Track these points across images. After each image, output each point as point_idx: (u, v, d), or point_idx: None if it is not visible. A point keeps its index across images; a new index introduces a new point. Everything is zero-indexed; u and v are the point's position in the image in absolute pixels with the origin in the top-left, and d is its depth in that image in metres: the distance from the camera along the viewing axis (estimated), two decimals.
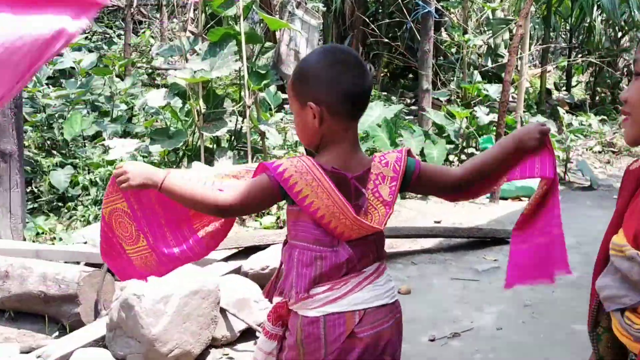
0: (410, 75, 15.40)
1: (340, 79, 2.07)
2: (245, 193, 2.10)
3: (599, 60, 12.68)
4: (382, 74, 13.89)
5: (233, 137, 7.07)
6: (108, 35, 14.89)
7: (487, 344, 4.34)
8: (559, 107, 11.13)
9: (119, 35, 15.18)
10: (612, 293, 1.67)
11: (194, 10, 10.39)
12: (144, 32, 15.11)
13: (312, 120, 2.08)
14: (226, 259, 5.31)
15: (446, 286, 5.33)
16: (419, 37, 9.35)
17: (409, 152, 2.19)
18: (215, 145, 7.03)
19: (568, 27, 14.16)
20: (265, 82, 6.56)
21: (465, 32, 10.39)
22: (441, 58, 13.24)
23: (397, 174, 2.12)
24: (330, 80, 2.06)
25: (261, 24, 8.83)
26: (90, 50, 11.00)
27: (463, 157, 8.87)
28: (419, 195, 8.07)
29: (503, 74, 9.76)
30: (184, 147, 6.87)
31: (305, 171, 2.05)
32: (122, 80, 9.59)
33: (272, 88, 7.90)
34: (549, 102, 13.16)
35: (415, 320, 4.64)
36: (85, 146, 7.83)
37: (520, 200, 8.03)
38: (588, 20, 13.26)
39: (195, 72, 6.22)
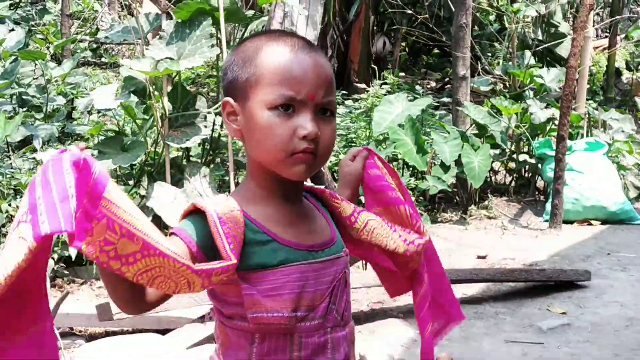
0: (436, 51, 15.25)
1: None
2: None
3: None
4: (399, 50, 13.72)
5: (209, 148, 6.87)
6: (39, 2, 14.67)
7: None
8: (634, 95, 10.95)
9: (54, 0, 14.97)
10: None
11: None
12: None
13: None
14: (200, 319, 5.09)
15: (501, 352, 5.13)
16: (451, 5, 9.12)
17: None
18: (185, 160, 6.82)
19: None
20: None
21: None
22: (475, 29, 13.05)
23: None
24: None
25: None
26: (16, 23, 10.76)
27: (512, 165, 8.69)
28: (454, 219, 7.92)
29: (560, 52, 9.61)
30: (143, 161, 6.66)
31: None
32: (59, 64, 9.36)
33: None
34: (618, 86, 12.99)
35: None
36: (10, 158, 7.59)
37: (590, 224, 7.85)
38: None
39: (158, 61, 5.99)
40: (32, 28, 12.31)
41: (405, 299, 5.97)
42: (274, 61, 1.83)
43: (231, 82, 1.88)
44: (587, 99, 9.94)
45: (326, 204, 2.00)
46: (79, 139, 8.30)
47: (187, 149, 6.81)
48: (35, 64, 8.91)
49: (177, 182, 6.32)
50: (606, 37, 13.25)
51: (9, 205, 6.48)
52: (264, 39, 1.88)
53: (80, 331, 5.30)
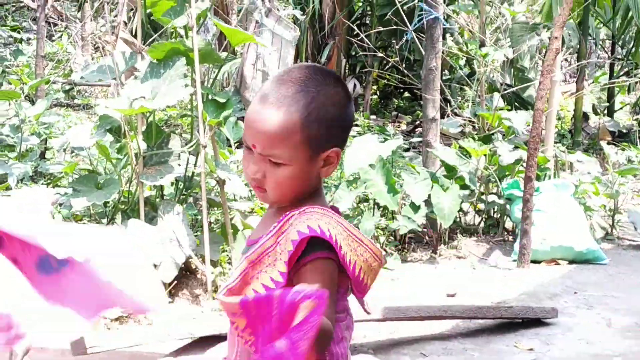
0: (406, 94, 15.43)
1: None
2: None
3: None
4: (371, 93, 13.88)
5: (182, 186, 6.93)
6: (13, 41, 14.74)
7: None
8: (602, 142, 11.14)
9: (27, 40, 15.04)
10: None
11: (130, 10, 10.30)
12: (60, 38, 14.99)
13: (317, 170, 2.19)
14: (174, 354, 5.15)
15: None
16: (421, 49, 9.28)
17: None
18: (159, 197, 6.87)
19: (609, 35, 14.27)
20: (225, 113, 6.42)
21: (482, 44, 10.37)
22: (445, 72, 13.26)
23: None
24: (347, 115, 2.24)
25: (216, 36, 8.69)
26: None
27: (481, 205, 8.81)
28: (424, 258, 8.02)
29: (525, 95, 9.80)
30: (117, 199, 6.71)
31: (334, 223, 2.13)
32: (33, 104, 9.43)
33: (232, 119, 7.79)
34: (586, 130, 13.21)
35: None
36: None
37: (557, 263, 7.97)
38: (635, 26, 13.34)
39: (133, 100, 6.07)
40: (6, 69, 12.38)
41: (375, 335, 6.06)
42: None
43: None
44: (556, 142, 10.10)
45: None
46: (52, 178, 8.34)
47: (161, 188, 6.87)
48: (10, 104, 8.97)
49: (151, 219, 6.37)
50: (574, 82, 13.48)
51: None
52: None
53: None
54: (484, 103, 9.92)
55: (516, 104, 12.08)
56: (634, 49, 13.70)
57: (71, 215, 7.04)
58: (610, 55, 14.49)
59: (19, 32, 15.54)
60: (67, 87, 13.60)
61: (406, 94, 15.57)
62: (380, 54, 11.75)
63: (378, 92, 15.71)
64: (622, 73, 14.38)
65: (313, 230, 2.03)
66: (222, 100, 6.49)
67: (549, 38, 7.86)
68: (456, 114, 10.41)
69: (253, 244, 2.15)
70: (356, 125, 10.01)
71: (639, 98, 14.57)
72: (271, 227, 2.10)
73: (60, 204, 6.68)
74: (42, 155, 8.99)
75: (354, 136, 9.11)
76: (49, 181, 8.41)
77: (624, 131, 13.45)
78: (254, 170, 2.13)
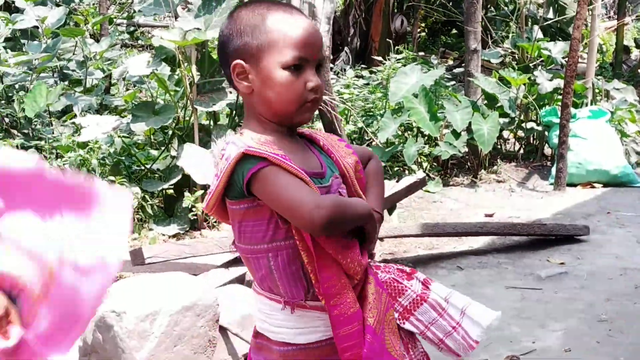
0: (454, 31, 15.33)
1: None
2: None
3: None
4: (418, 30, 13.79)
5: (234, 112, 7.02)
6: None
7: None
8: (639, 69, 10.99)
9: None
10: None
11: None
12: None
13: None
14: (226, 265, 5.27)
15: (501, 297, 5.28)
16: None
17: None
18: (212, 123, 6.98)
19: None
20: None
21: None
22: (492, 10, 13.14)
23: None
24: None
25: None
26: (57, 4, 10.98)
27: (520, 133, 8.81)
28: (465, 182, 8.06)
29: (569, 30, 9.69)
30: (173, 125, 6.84)
31: None
32: (97, 41, 9.58)
33: None
34: (627, 63, 13.02)
35: None
36: (52, 124, 7.82)
37: (593, 187, 7.96)
38: None
39: (186, 32, 6.16)
40: (73, 11, 12.52)
41: (415, 251, 6.16)
42: (282, 27, 2.09)
43: (240, 47, 2.12)
44: (597, 75, 10.00)
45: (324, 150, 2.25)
46: (116, 110, 8.50)
47: (214, 114, 6.97)
48: (75, 41, 9.11)
49: (205, 144, 6.50)
50: (618, 18, 13.25)
51: (51, 165, 6.71)
52: (264, 7, 2.14)
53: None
54: (524, 35, 9.84)
55: (559, 38, 11.94)
56: None
57: (133, 143, 7.21)
58: None
59: None
60: (131, 29, 13.75)
61: (454, 31, 15.47)
62: None
63: (426, 30, 15.62)
64: None
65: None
66: None
67: None
68: (497, 45, 10.33)
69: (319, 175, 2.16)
70: (401, 57, 9.99)
71: None
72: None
73: (121, 130, 6.83)
74: (107, 90, 9.14)
75: (398, 67, 9.12)
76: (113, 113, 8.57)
77: None
78: (319, 81, 2.13)
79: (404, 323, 2.21)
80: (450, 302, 2.25)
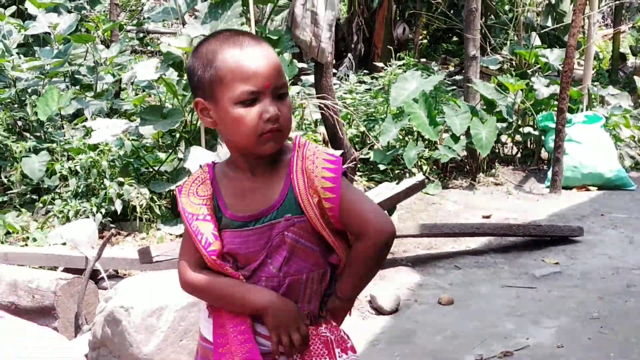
0: (455, 38, 15.40)
1: None
2: None
3: None
4: (420, 37, 13.86)
5: None
6: None
7: None
8: (635, 77, 11.04)
9: None
10: None
11: None
12: None
13: None
14: None
15: (496, 295, 5.34)
16: None
17: None
18: None
19: None
20: (277, 49, 6.58)
21: None
22: (491, 17, 13.21)
23: None
24: None
25: None
26: (69, 11, 11.07)
27: (517, 137, 8.88)
28: (463, 185, 8.12)
29: (566, 37, 9.75)
30: (181, 129, 6.91)
31: None
32: (108, 47, 9.63)
33: (286, 56, 7.92)
34: (623, 70, 13.07)
35: (458, 336, 4.66)
36: (63, 127, 7.90)
37: (588, 190, 8.02)
38: None
39: (193, 38, 6.25)
40: (84, 18, 12.58)
41: (414, 251, 6.23)
42: (230, 62, 2.06)
43: (197, 82, 2.12)
44: (594, 82, 10.06)
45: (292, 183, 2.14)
46: (125, 114, 8.56)
47: None
48: (86, 47, 9.16)
49: (211, 147, 6.58)
50: (615, 26, 13.29)
51: (62, 166, 6.81)
52: (218, 41, 2.10)
53: (124, 274, 5.59)
54: (522, 42, 9.91)
55: (556, 46, 12.00)
56: None
57: (142, 146, 7.29)
58: None
59: None
60: (141, 36, 13.82)
61: (454, 38, 15.54)
62: None
63: (428, 37, 15.69)
64: None
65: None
66: (275, 38, 6.64)
67: None
68: (496, 52, 10.40)
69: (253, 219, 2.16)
70: (403, 63, 10.07)
71: None
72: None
73: (130, 133, 6.91)
74: (117, 95, 9.19)
75: (400, 73, 9.19)
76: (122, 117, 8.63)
77: None
78: (274, 111, 2.06)
79: None
80: None
